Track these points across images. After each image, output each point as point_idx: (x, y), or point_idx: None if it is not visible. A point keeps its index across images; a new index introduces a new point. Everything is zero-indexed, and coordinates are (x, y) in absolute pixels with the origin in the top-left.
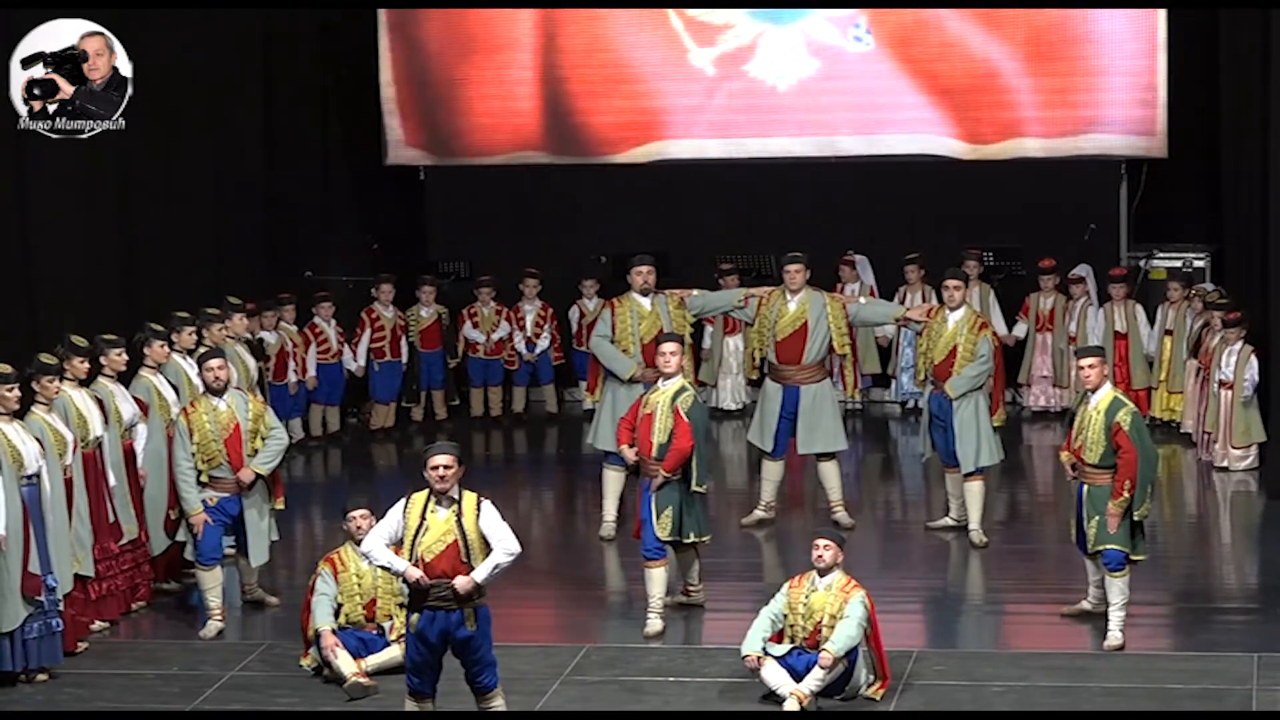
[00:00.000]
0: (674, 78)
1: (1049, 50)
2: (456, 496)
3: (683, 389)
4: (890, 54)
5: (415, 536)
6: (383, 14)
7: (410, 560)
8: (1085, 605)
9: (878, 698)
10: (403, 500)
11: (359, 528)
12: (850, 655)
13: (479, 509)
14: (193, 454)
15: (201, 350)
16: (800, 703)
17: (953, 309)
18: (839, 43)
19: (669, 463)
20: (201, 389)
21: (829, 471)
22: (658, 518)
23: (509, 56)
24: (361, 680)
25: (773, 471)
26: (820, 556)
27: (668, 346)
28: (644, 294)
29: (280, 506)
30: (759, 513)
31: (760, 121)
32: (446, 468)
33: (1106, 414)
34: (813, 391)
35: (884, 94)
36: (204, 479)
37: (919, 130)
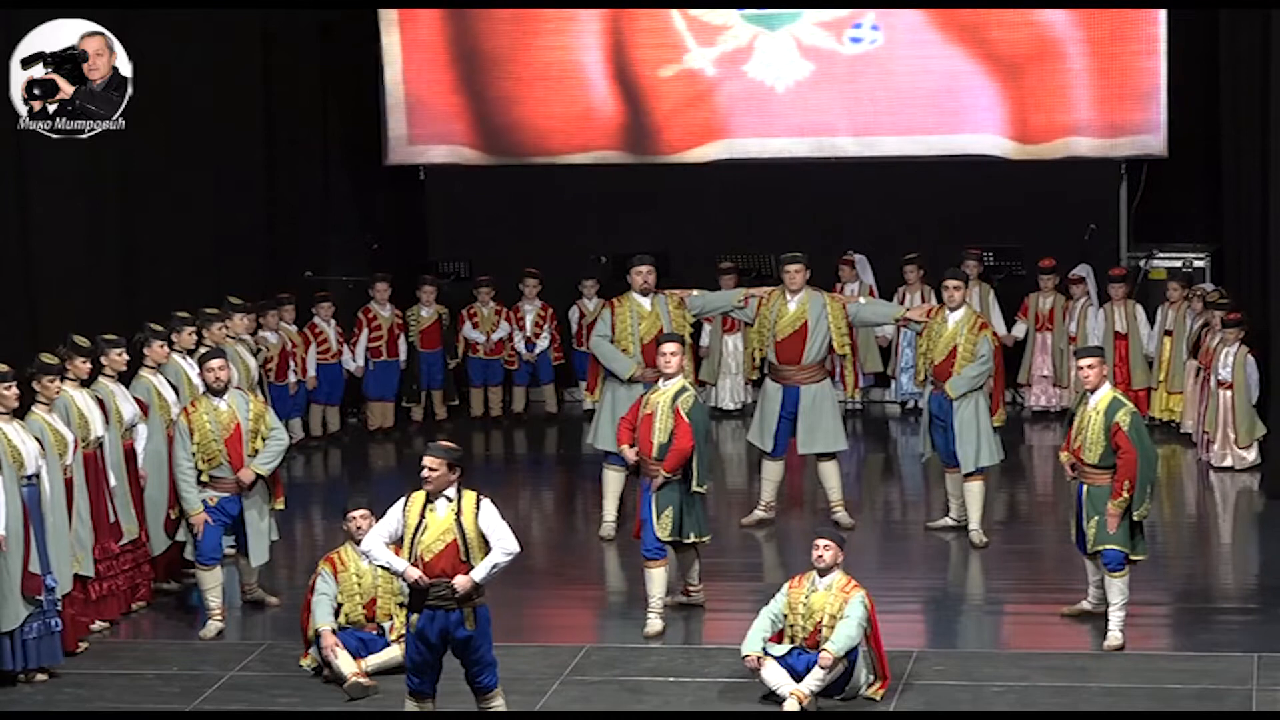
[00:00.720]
0: (679, 76)
1: (1048, 51)
2: (456, 495)
3: (683, 389)
4: (894, 54)
5: (414, 535)
6: (389, 13)
7: (409, 559)
8: (1085, 605)
9: (878, 698)
10: (402, 499)
11: (359, 528)
12: (850, 655)
13: (478, 508)
14: (193, 454)
15: (202, 350)
16: (800, 703)
17: (953, 309)
18: (833, 46)
19: (669, 463)
20: (202, 389)
21: (829, 471)
22: (658, 518)
23: (510, 55)
24: (361, 680)
25: (773, 471)
26: (820, 556)
27: (668, 347)
28: (644, 294)
29: (280, 506)
30: (759, 513)
31: (764, 122)
32: (430, 469)
33: (1105, 414)
34: (813, 391)
35: (884, 96)
36: (204, 479)
37: (914, 130)
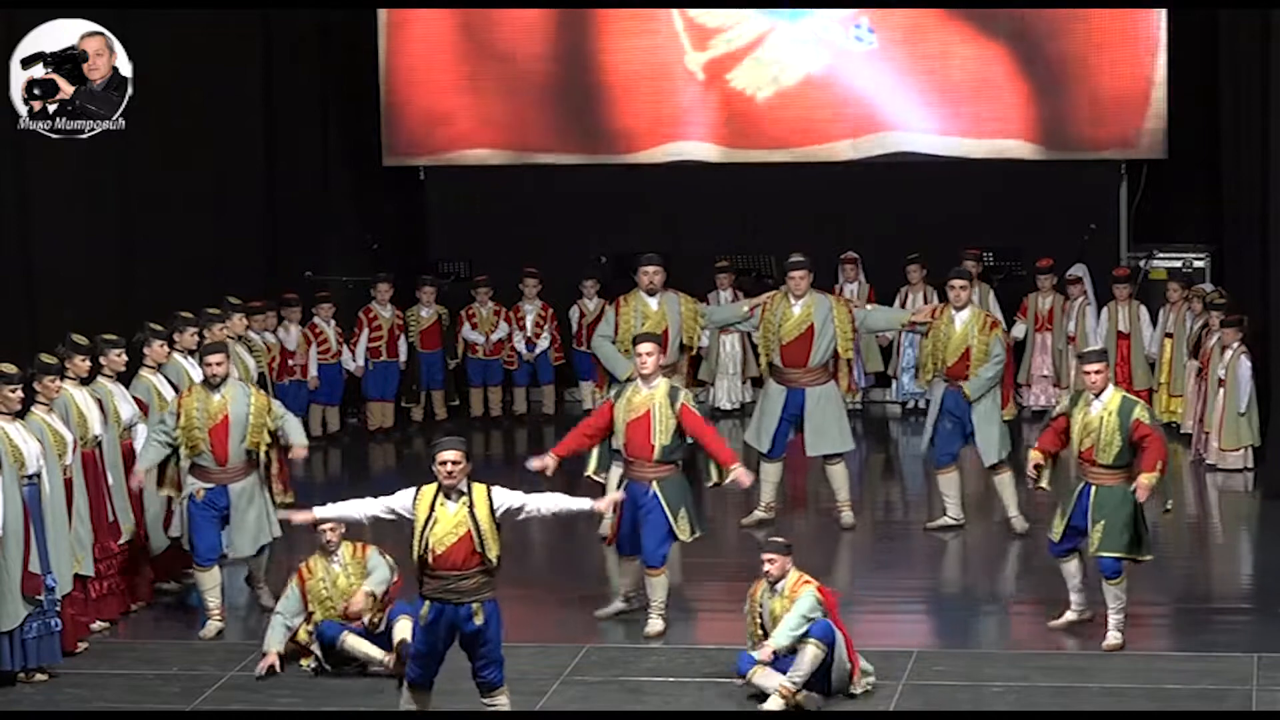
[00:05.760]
0: (675, 79)
1: (1048, 52)
2: (466, 489)
3: (674, 388)
4: (894, 54)
5: (425, 528)
6: (386, 14)
7: (420, 550)
8: (1070, 616)
9: (859, 691)
10: (414, 487)
11: (329, 541)
12: (828, 639)
13: (490, 497)
14: (175, 435)
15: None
16: (783, 696)
17: (958, 309)
18: (844, 44)
19: (726, 454)
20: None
21: (837, 473)
22: (675, 521)
23: (509, 56)
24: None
25: (771, 473)
26: (769, 571)
27: (644, 347)
28: (650, 294)
29: (289, 500)
30: (759, 513)
31: (763, 123)
32: (455, 463)
33: (1120, 414)
34: (818, 393)
35: (885, 96)
36: (186, 463)
37: (914, 129)
